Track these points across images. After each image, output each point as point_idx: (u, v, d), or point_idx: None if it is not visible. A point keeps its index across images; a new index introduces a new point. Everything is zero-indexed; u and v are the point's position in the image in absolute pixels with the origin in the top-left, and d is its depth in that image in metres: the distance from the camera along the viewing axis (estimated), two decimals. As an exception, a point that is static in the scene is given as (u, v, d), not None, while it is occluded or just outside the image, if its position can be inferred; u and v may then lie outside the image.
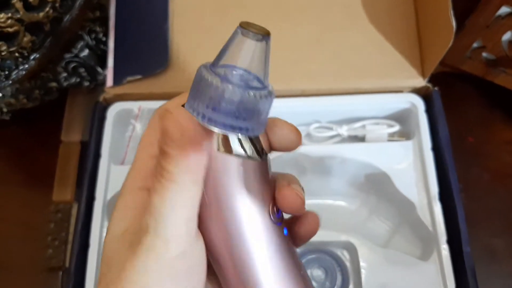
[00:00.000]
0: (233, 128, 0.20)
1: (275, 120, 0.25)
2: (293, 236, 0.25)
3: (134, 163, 0.25)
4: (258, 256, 0.22)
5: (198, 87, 0.20)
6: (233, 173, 0.22)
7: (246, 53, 0.20)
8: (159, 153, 0.22)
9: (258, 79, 0.20)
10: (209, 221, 0.23)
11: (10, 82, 0.45)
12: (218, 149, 0.21)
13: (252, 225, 0.22)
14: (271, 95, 0.21)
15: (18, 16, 0.40)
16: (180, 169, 0.21)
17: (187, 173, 0.21)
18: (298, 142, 0.25)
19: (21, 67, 0.45)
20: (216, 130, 0.20)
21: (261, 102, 0.20)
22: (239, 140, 0.21)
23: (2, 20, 0.40)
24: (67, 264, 0.49)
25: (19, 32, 0.41)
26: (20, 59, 0.43)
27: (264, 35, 0.20)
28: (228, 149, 0.21)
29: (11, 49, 0.42)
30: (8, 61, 0.43)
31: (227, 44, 0.20)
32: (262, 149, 0.23)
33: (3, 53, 0.41)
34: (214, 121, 0.20)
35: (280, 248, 0.23)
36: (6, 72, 0.44)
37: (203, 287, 0.24)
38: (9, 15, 0.40)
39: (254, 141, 0.22)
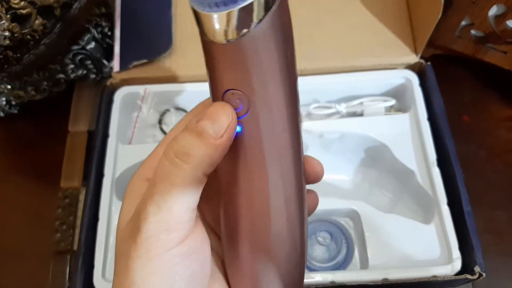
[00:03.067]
0: None
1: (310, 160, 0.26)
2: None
3: (148, 156, 0.26)
4: None
5: None
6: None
7: None
8: (189, 130, 0.22)
9: None
10: None
11: (21, 66, 0.47)
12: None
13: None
14: None
15: (31, -2, 0.43)
16: (203, 158, 0.21)
17: (205, 164, 0.21)
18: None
19: (32, 51, 0.47)
20: (231, 9, 0.18)
21: None
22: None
23: (16, 1, 0.42)
24: (75, 248, 0.50)
25: (31, 14, 0.44)
26: (31, 42, 0.46)
27: None
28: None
29: (23, 31, 0.44)
30: (20, 44, 0.45)
31: None
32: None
33: (16, 35, 0.43)
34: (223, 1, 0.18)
35: None
36: (18, 55, 0.46)
37: (209, 272, 0.24)
38: (22, -3, 0.42)
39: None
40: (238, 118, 0.21)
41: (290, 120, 0.22)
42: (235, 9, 0.18)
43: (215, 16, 0.19)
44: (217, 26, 0.19)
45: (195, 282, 0.23)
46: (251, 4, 0.18)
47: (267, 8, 0.19)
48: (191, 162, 0.21)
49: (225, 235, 0.26)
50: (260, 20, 0.19)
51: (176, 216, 0.21)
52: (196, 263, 0.23)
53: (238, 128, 0.22)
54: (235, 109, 0.21)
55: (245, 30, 0.19)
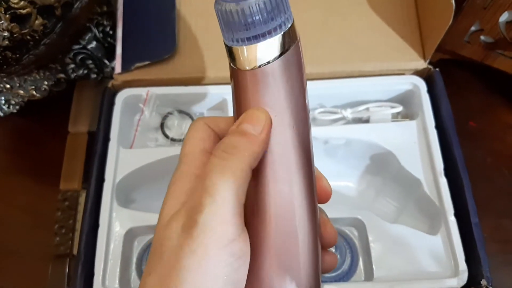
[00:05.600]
0: (272, 31, 0.22)
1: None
2: None
3: (185, 156, 0.26)
4: None
5: (221, 19, 0.22)
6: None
7: None
8: (229, 132, 0.24)
9: None
10: None
11: (20, 67, 0.46)
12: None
13: None
14: None
15: (31, -2, 0.42)
16: (249, 150, 0.23)
17: (252, 156, 0.23)
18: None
19: (31, 52, 0.45)
20: (259, 43, 0.22)
21: None
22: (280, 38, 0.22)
23: (15, 1, 0.41)
24: (74, 252, 0.49)
25: (31, 14, 0.42)
26: (31, 43, 0.44)
27: None
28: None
29: (23, 31, 0.43)
30: (19, 44, 0.44)
31: None
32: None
33: (15, 35, 0.42)
34: (256, 36, 0.22)
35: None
36: (17, 56, 0.44)
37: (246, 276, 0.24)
38: (22, -4, 0.41)
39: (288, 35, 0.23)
40: None
41: (306, 136, 0.25)
42: (270, 40, 0.22)
43: (253, 47, 0.22)
44: (254, 55, 0.22)
45: None
46: (285, 35, 0.22)
47: (287, 44, 0.23)
48: (239, 154, 0.23)
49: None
50: (285, 51, 0.23)
51: (230, 208, 0.22)
52: (243, 268, 0.23)
53: None
54: None
55: (273, 58, 0.22)
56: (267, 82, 0.23)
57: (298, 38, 0.24)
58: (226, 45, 0.23)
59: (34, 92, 0.53)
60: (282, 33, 0.22)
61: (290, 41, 0.23)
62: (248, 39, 0.22)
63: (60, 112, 0.57)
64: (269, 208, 0.24)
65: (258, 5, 0.21)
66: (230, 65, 0.24)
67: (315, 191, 0.26)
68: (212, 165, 0.23)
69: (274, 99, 0.23)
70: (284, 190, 0.24)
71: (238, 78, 0.24)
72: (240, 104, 0.24)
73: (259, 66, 0.23)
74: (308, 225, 0.25)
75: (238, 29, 0.22)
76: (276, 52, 0.22)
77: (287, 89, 0.23)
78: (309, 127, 0.25)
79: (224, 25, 0.22)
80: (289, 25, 0.23)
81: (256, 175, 0.24)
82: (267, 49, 0.22)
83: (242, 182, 0.22)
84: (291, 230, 0.25)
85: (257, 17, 0.21)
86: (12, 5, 0.41)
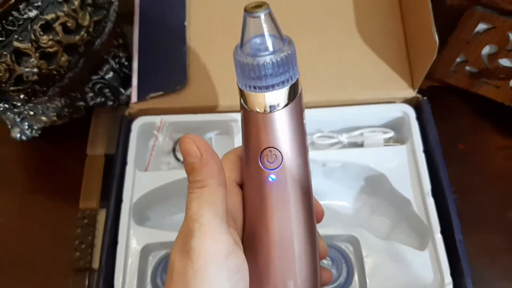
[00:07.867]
0: (281, 83, 0.26)
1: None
2: None
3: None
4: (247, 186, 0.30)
5: (239, 69, 0.26)
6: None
7: (258, 26, 0.25)
8: (187, 174, 0.27)
9: (276, 37, 0.25)
10: None
11: (46, 98, 0.51)
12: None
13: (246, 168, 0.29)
14: (291, 43, 0.26)
15: (58, 38, 0.46)
16: (206, 175, 0.26)
17: (211, 177, 0.26)
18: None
19: (57, 84, 0.50)
20: (271, 92, 0.26)
21: (288, 54, 0.25)
22: (288, 88, 0.26)
23: (45, 41, 0.46)
24: (93, 266, 0.53)
25: (58, 52, 0.47)
26: (57, 77, 0.49)
27: (263, 10, 0.24)
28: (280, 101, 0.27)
29: (50, 67, 0.47)
30: (47, 79, 0.49)
31: (243, 27, 0.26)
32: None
33: (43, 71, 0.47)
34: (266, 87, 0.26)
35: (256, 186, 0.29)
36: (44, 88, 0.49)
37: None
38: (50, 37, 0.46)
39: (294, 86, 0.27)
40: (274, 169, 0.28)
41: (307, 170, 0.29)
42: (284, 89, 0.26)
43: (264, 95, 0.26)
44: (267, 101, 0.26)
45: None
46: (292, 87, 0.26)
47: (293, 95, 0.27)
48: (205, 186, 0.26)
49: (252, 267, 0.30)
50: (291, 101, 0.27)
51: (216, 228, 0.26)
52: (242, 281, 0.27)
53: (273, 177, 0.28)
54: (271, 162, 0.28)
55: (281, 107, 0.26)
56: (274, 126, 0.27)
57: (301, 89, 0.28)
58: (239, 88, 0.27)
59: (55, 119, 0.58)
60: (289, 85, 0.26)
61: (295, 93, 0.27)
62: (260, 88, 0.26)
63: (78, 136, 0.61)
64: (274, 234, 0.28)
65: (272, 61, 0.25)
66: (241, 103, 0.28)
67: (314, 217, 0.30)
68: (190, 199, 0.26)
69: (280, 139, 0.27)
70: (288, 219, 0.29)
71: (248, 117, 0.28)
72: (248, 139, 0.28)
73: (269, 111, 0.27)
74: (309, 248, 0.30)
75: (253, 78, 0.26)
76: (283, 102, 0.26)
77: (291, 132, 0.27)
78: (308, 162, 0.29)
79: (240, 72, 0.26)
80: (296, 79, 0.27)
81: (263, 206, 0.28)
82: (275, 98, 0.26)
83: (219, 203, 0.26)
84: (293, 254, 0.29)
85: (270, 71, 0.25)
86: (42, 45, 0.46)
